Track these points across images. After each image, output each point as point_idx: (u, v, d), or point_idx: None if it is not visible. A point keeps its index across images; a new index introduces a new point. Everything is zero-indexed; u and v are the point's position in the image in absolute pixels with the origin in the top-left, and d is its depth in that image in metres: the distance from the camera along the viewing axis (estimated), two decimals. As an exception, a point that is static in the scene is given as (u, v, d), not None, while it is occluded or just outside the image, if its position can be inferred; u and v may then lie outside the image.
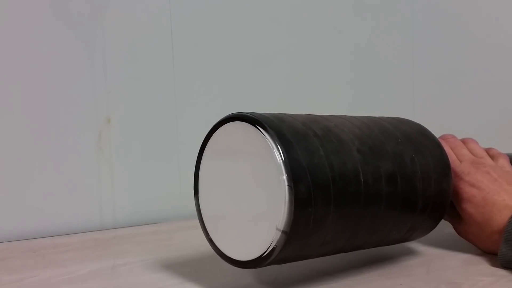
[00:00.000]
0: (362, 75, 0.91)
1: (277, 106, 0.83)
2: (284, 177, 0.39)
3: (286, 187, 0.39)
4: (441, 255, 0.54)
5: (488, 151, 0.58)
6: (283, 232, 0.39)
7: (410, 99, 0.95)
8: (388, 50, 0.93)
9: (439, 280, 0.47)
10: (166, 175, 0.76)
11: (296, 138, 0.41)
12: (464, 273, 0.48)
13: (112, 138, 0.73)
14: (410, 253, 0.55)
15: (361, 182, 0.43)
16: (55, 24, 0.69)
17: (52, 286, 0.48)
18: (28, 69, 0.68)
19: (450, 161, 0.54)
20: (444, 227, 0.61)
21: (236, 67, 0.81)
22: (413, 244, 0.58)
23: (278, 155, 0.39)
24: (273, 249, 0.40)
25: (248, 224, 0.42)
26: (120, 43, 0.73)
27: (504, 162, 0.56)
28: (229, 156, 0.44)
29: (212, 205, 0.46)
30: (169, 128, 0.76)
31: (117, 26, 0.72)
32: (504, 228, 0.48)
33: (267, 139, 0.40)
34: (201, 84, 0.78)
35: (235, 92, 0.81)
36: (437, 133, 0.60)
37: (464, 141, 0.59)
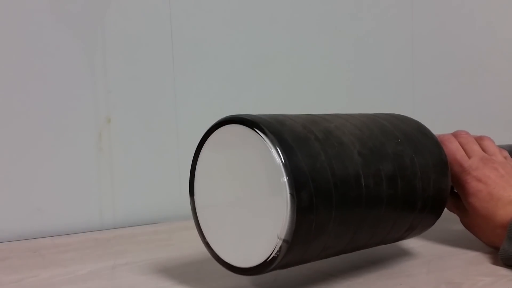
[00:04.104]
0: (361, 74, 0.91)
1: (277, 105, 0.83)
2: (286, 185, 0.37)
3: (288, 195, 0.37)
4: (441, 255, 0.54)
5: (500, 151, 0.58)
6: (285, 241, 0.38)
7: (410, 98, 0.95)
8: (388, 48, 0.93)
9: (439, 280, 0.47)
10: (166, 175, 0.76)
11: (297, 143, 0.39)
12: (464, 273, 0.48)
13: (112, 138, 0.73)
14: (410, 253, 0.55)
15: (362, 186, 0.42)
16: (55, 24, 0.69)
17: (52, 286, 0.48)
18: (28, 69, 0.68)
19: (459, 156, 0.55)
20: (444, 227, 0.62)
21: (236, 67, 0.81)
22: (413, 244, 0.58)
23: (279, 162, 0.38)
24: (274, 258, 0.39)
25: (247, 230, 0.41)
26: (120, 43, 0.73)
27: None
28: (227, 160, 0.42)
29: (209, 207, 0.44)
30: (169, 128, 0.76)
31: (117, 26, 0.72)
32: (508, 225, 0.49)
33: (268, 144, 0.38)
34: (201, 84, 0.78)
35: (235, 92, 0.81)
36: (436, 131, 0.60)
37: (478, 138, 0.59)
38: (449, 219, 0.60)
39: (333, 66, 0.89)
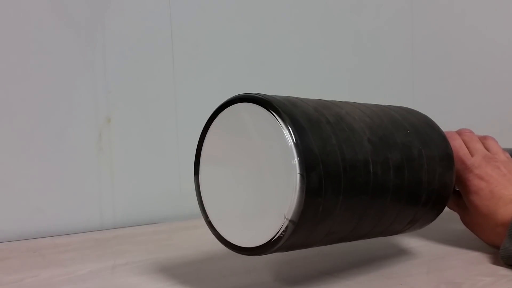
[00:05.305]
0: (362, 74, 0.91)
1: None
2: (296, 165, 0.37)
3: (298, 175, 0.37)
4: (441, 255, 0.54)
5: (503, 151, 0.58)
6: (291, 221, 0.38)
7: (410, 98, 0.95)
8: (388, 48, 0.93)
9: (439, 280, 0.47)
10: (166, 175, 0.76)
11: (310, 124, 0.39)
12: (464, 273, 0.48)
13: (112, 138, 0.73)
14: (410, 253, 0.55)
15: (370, 173, 0.42)
16: (55, 24, 0.69)
17: (52, 286, 0.48)
18: (28, 69, 0.68)
19: (462, 154, 0.55)
20: (444, 227, 0.62)
21: (236, 67, 0.81)
22: (413, 244, 0.58)
23: (291, 142, 0.38)
24: (279, 237, 0.38)
25: (252, 210, 0.41)
26: (120, 43, 0.73)
27: None
28: (235, 139, 0.42)
29: (213, 187, 0.44)
30: (169, 128, 0.76)
31: (117, 26, 0.72)
32: (509, 223, 0.49)
33: (280, 124, 0.38)
34: (201, 84, 0.78)
35: (235, 92, 0.80)
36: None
37: (482, 137, 0.59)
38: (449, 218, 0.60)
39: (333, 65, 0.89)
